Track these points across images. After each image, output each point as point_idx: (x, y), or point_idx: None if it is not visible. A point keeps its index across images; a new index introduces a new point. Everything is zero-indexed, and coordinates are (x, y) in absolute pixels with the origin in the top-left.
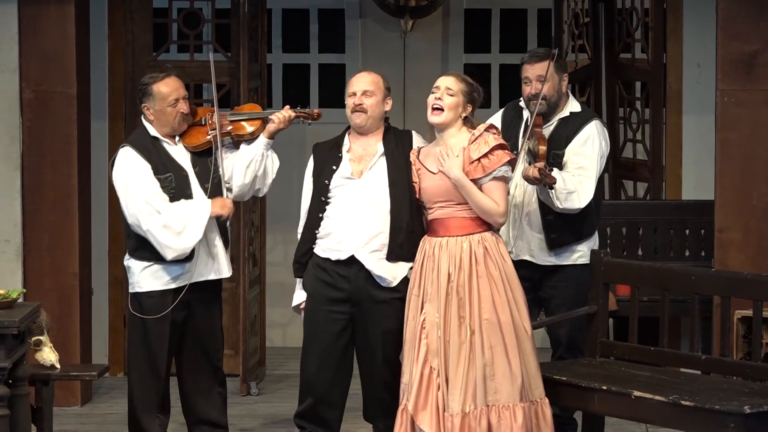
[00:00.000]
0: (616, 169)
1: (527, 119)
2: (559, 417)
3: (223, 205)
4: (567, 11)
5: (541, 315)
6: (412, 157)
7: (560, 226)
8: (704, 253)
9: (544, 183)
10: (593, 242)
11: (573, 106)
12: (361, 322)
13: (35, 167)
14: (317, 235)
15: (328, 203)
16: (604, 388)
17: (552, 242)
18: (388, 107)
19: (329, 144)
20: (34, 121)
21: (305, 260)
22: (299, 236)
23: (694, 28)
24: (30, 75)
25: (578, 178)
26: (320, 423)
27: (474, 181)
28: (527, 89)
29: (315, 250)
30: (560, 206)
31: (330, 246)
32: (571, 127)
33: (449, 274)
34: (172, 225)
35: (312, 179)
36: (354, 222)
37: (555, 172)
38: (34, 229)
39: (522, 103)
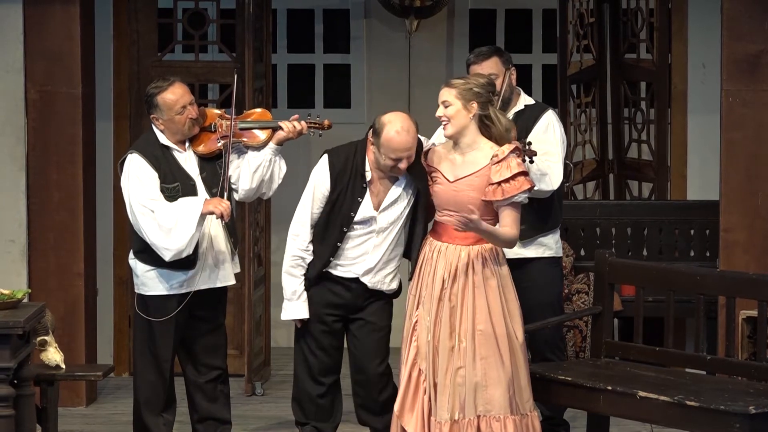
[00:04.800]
0: (621, 169)
1: None
2: (551, 419)
3: (216, 204)
4: (572, 11)
5: None
6: (423, 162)
7: (527, 218)
8: (709, 254)
9: (523, 158)
10: (558, 236)
11: (526, 99)
12: (353, 319)
13: (40, 167)
14: (330, 261)
15: (348, 236)
16: (609, 388)
17: (521, 234)
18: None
19: (349, 165)
20: (39, 122)
21: (312, 275)
22: (295, 241)
23: (699, 29)
24: (35, 75)
25: (546, 163)
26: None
27: (491, 203)
28: None
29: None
30: (534, 188)
31: (338, 270)
32: (528, 118)
33: (443, 281)
34: (163, 223)
35: (327, 198)
36: (364, 256)
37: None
38: (39, 229)
39: None
